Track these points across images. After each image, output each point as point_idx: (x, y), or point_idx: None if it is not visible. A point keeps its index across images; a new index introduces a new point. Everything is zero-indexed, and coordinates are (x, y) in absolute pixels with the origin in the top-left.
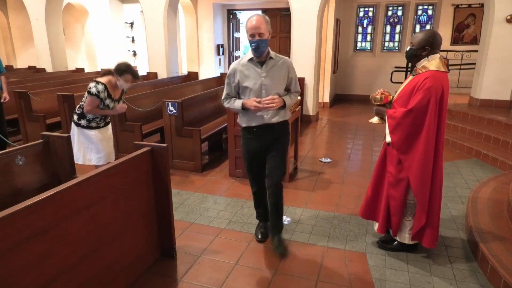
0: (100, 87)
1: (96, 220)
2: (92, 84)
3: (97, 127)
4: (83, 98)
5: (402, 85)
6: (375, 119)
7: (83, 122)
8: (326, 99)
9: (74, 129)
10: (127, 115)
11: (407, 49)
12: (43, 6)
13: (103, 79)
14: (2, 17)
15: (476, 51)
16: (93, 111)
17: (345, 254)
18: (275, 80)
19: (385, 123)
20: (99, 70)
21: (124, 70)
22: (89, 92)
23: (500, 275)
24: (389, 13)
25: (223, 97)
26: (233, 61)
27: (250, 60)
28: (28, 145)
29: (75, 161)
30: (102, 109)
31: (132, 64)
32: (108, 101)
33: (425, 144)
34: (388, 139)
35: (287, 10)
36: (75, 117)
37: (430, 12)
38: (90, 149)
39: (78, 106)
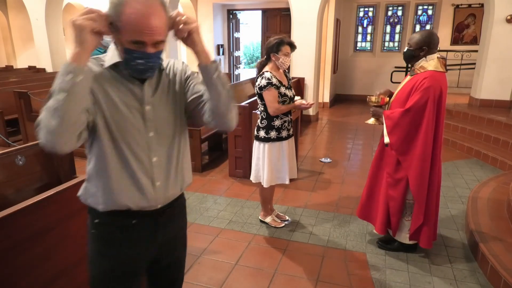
0: (267, 74)
1: None
2: (258, 80)
3: (288, 137)
4: (258, 107)
5: (400, 85)
6: (371, 120)
7: (272, 134)
8: (326, 99)
9: (260, 148)
10: None
11: (405, 50)
12: (43, 6)
13: (264, 70)
14: (2, 17)
15: (476, 51)
16: (280, 108)
17: (345, 254)
18: (167, 110)
19: (382, 124)
20: None
21: (279, 43)
22: (261, 89)
23: (500, 275)
24: (389, 13)
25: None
26: (233, 61)
27: (118, 67)
28: (28, 145)
29: (258, 180)
30: (283, 103)
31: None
32: (283, 89)
33: (423, 144)
34: (387, 140)
35: (287, 10)
36: (261, 132)
37: (430, 12)
38: (282, 164)
39: (259, 120)
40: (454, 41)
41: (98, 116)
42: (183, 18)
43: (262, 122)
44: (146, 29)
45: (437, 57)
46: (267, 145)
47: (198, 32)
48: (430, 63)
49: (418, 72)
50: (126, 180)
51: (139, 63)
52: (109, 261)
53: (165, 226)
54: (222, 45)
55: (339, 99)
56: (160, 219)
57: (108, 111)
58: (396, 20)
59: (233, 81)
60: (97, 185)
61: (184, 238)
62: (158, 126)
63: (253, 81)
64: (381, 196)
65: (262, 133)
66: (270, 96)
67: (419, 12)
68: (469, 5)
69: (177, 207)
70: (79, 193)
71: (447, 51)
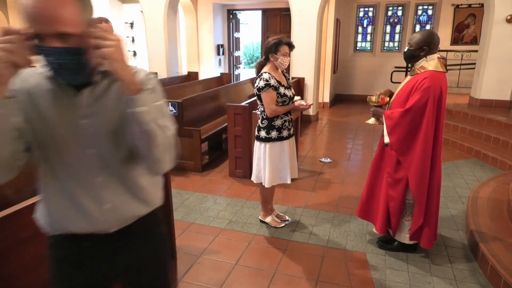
0: (265, 75)
1: None
2: (256, 81)
3: (289, 136)
4: (258, 107)
5: (400, 85)
6: (371, 120)
7: (273, 134)
8: (326, 99)
9: (261, 148)
10: None
11: (405, 49)
12: None
13: (263, 71)
14: (2, 17)
15: (476, 51)
16: (277, 110)
17: (345, 254)
18: (113, 125)
19: (382, 124)
20: None
21: (277, 43)
22: (259, 90)
23: (500, 275)
24: (389, 13)
25: None
26: (233, 61)
27: (54, 78)
28: None
29: (259, 181)
30: (283, 103)
31: (132, 64)
32: (282, 89)
33: (423, 144)
34: (387, 140)
35: (287, 10)
36: (262, 132)
37: (430, 12)
38: (283, 164)
39: (259, 120)
40: (454, 41)
41: (30, 135)
42: (93, 41)
43: (263, 122)
44: (41, 16)
45: (438, 57)
46: (268, 145)
47: (117, 60)
48: (430, 63)
49: (418, 72)
50: (65, 203)
51: (49, 61)
52: (66, 283)
53: (127, 249)
54: (222, 45)
55: (339, 99)
56: (118, 243)
57: (39, 128)
58: (396, 20)
59: (233, 81)
60: (43, 207)
61: (159, 259)
62: (100, 142)
63: (253, 81)
64: (381, 196)
65: (263, 133)
66: (268, 97)
67: (419, 12)
68: (469, 5)
69: (142, 227)
70: (35, 214)
71: (447, 51)
